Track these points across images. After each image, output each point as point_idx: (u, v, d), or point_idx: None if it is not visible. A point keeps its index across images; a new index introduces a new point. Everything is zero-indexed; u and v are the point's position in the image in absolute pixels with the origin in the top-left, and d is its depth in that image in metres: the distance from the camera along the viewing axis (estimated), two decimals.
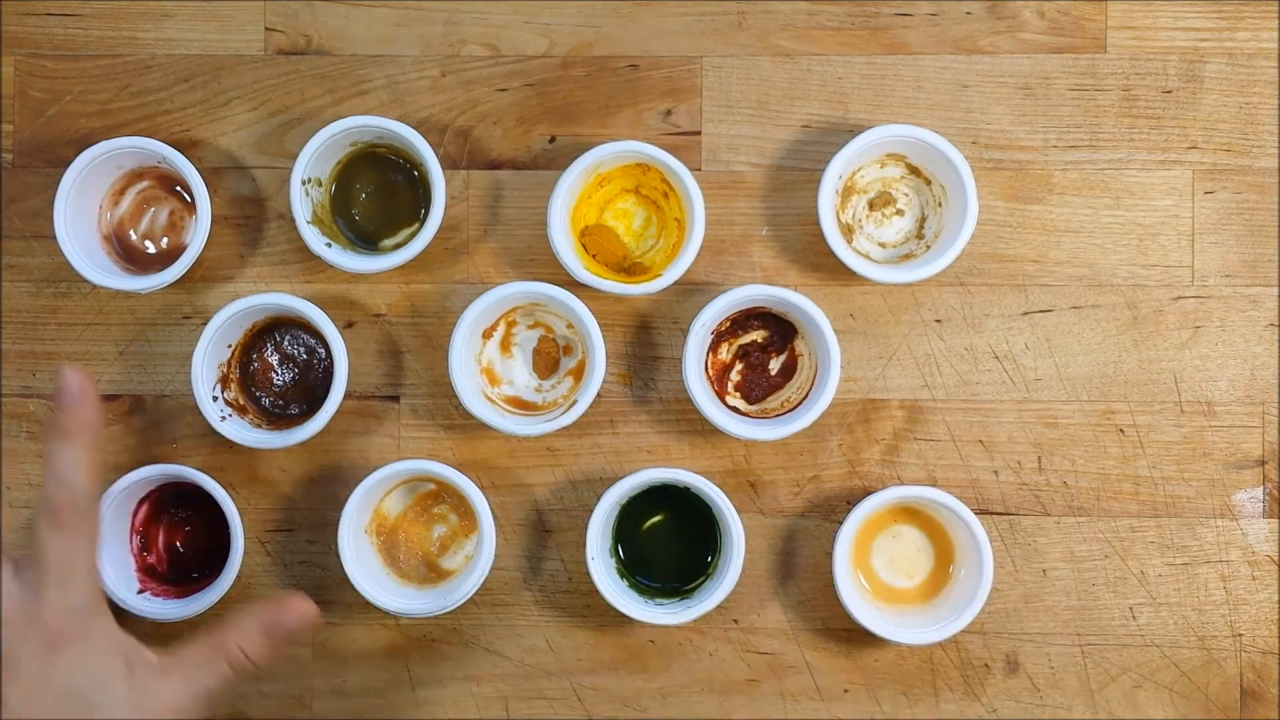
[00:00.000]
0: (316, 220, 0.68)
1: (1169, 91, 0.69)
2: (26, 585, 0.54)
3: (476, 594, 0.67)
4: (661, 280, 0.66)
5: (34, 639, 0.52)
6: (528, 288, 0.66)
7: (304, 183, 0.67)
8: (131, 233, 0.70)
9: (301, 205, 0.67)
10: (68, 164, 0.66)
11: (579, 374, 0.68)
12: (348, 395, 0.69)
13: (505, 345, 0.69)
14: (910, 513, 0.68)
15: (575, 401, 0.66)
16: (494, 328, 0.69)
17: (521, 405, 0.69)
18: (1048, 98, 0.69)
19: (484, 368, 0.69)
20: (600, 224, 0.69)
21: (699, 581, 0.68)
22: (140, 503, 0.69)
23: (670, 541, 0.69)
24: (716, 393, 0.68)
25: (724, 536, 0.66)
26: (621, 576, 0.68)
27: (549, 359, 0.69)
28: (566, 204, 0.67)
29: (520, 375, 0.69)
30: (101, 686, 0.53)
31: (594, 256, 0.69)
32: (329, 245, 0.67)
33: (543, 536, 0.69)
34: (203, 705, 0.55)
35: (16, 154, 0.70)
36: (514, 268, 0.70)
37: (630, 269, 0.69)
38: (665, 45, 0.70)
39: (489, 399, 0.68)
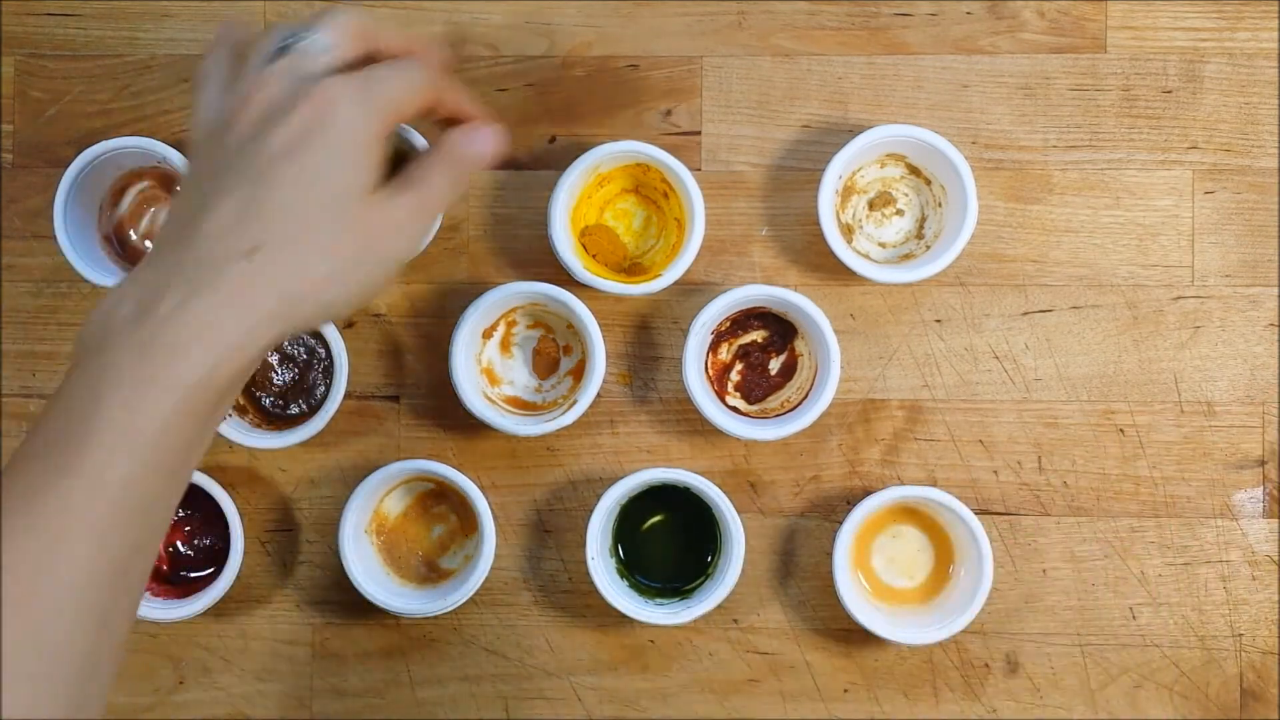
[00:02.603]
0: None
1: (1169, 91, 0.69)
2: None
3: (476, 594, 0.67)
4: (661, 280, 0.66)
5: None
6: (528, 288, 0.66)
7: None
8: (131, 233, 0.70)
9: None
10: (68, 164, 0.66)
11: (579, 374, 0.68)
12: (348, 395, 0.69)
13: (505, 345, 0.69)
14: (910, 513, 0.68)
15: (575, 401, 0.66)
16: (494, 328, 0.69)
17: (521, 405, 0.69)
18: (1048, 98, 0.69)
19: (484, 368, 0.69)
20: (600, 224, 0.69)
21: (699, 581, 0.68)
22: None
23: (670, 541, 0.69)
24: (716, 393, 0.68)
25: (724, 536, 0.66)
26: (621, 576, 0.68)
27: (549, 359, 0.69)
28: (567, 204, 0.67)
29: (520, 375, 0.69)
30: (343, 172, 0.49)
31: (594, 256, 0.69)
32: None
33: (543, 536, 0.69)
34: (424, 224, 0.52)
35: (16, 154, 0.70)
36: (514, 268, 0.70)
37: (630, 269, 0.69)
38: (665, 45, 0.70)
39: (489, 399, 0.68)
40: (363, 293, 0.51)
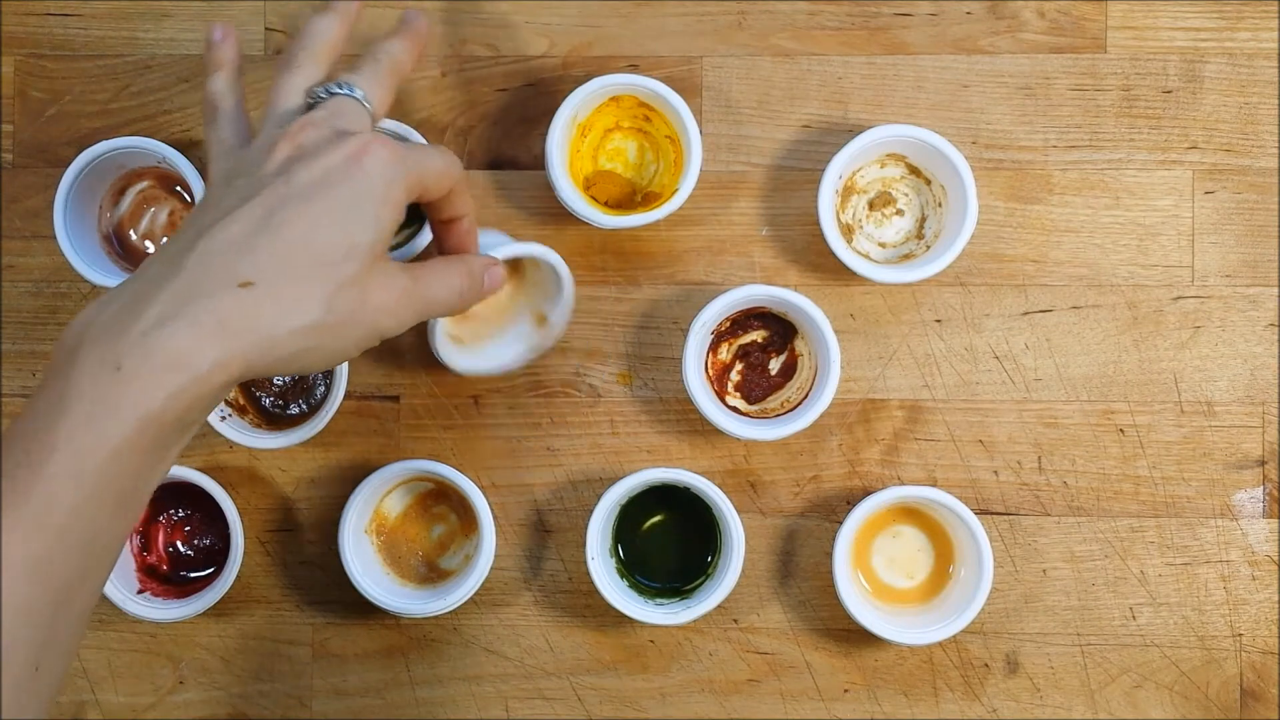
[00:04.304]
0: None
1: (1169, 91, 0.69)
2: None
3: (476, 594, 0.67)
4: (679, 195, 0.65)
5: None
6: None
7: None
8: (131, 233, 0.70)
9: None
10: (68, 164, 0.66)
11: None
12: (348, 395, 0.69)
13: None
14: (910, 513, 0.68)
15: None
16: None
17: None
18: (1048, 98, 0.69)
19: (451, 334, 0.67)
20: (598, 170, 0.69)
21: (699, 581, 0.68)
22: None
23: (670, 541, 0.69)
24: (716, 393, 0.68)
25: (724, 536, 0.66)
26: (621, 576, 0.68)
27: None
28: (562, 165, 0.66)
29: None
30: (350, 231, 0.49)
31: (606, 203, 0.68)
32: None
33: (543, 536, 0.69)
34: (415, 313, 0.52)
35: (16, 154, 0.70)
36: None
37: (645, 199, 0.69)
38: (665, 45, 0.70)
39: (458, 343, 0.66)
40: (336, 356, 0.50)
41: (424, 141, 0.64)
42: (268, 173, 0.49)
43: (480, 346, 0.65)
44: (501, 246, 0.60)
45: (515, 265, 0.67)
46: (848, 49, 0.69)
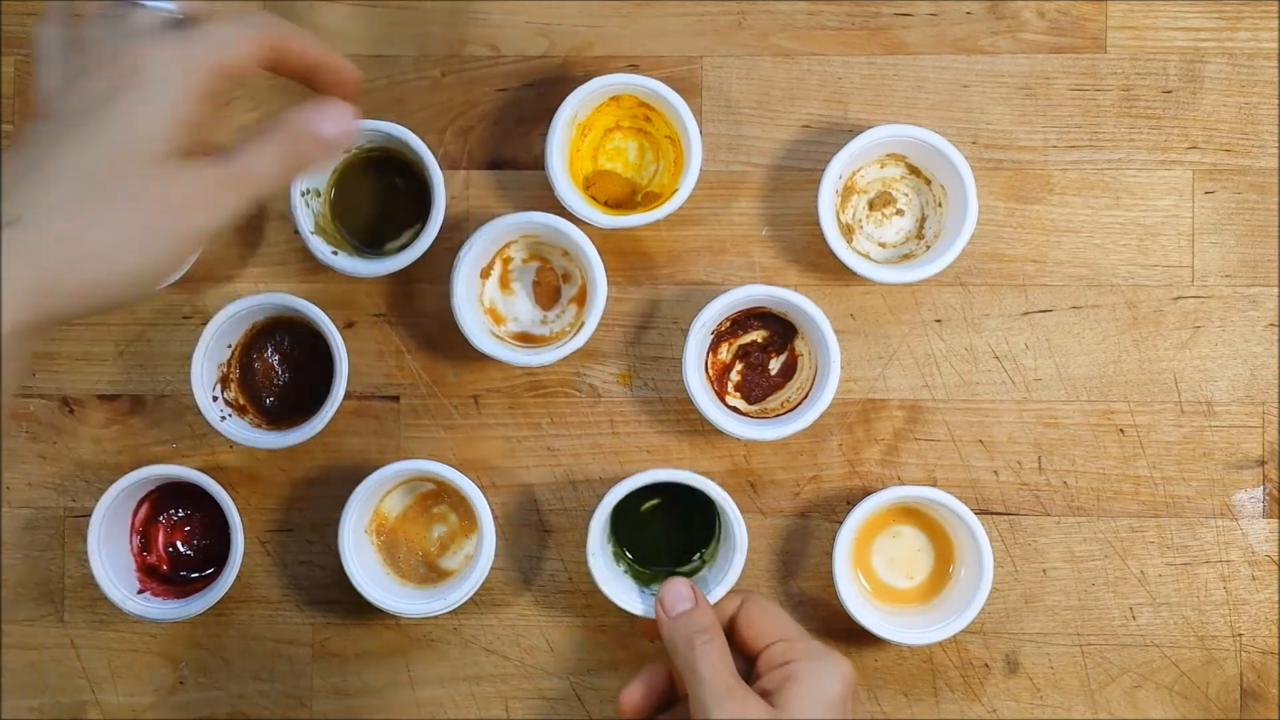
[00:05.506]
0: (320, 230, 0.67)
1: (1169, 91, 0.69)
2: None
3: (476, 594, 0.67)
4: (679, 195, 0.65)
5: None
6: (517, 219, 0.65)
7: (303, 194, 0.66)
8: None
9: (304, 216, 0.66)
10: None
11: (581, 299, 0.68)
12: (348, 395, 0.69)
13: (504, 282, 0.69)
14: (910, 513, 0.68)
15: (583, 324, 0.65)
16: (490, 267, 0.68)
17: (529, 339, 0.68)
18: (1048, 98, 0.69)
19: (487, 309, 0.68)
20: (598, 170, 0.69)
21: (698, 568, 0.68)
22: (140, 503, 0.69)
23: (671, 541, 0.69)
24: (716, 393, 0.68)
25: (725, 536, 0.66)
26: (621, 568, 0.68)
27: (549, 289, 0.69)
28: (562, 166, 0.66)
29: (524, 310, 0.69)
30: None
31: (605, 203, 0.69)
32: (335, 253, 0.67)
33: (543, 536, 0.69)
34: (239, 195, 0.46)
35: None
36: None
37: (645, 199, 0.69)
38: (665, 45, 0.70)
39: (497, 338, 0.67)
40: (155, 268, 0.45)
41: (424, 146, 0.64)
42: (53, 103, 0.45)
43: (541, 347, 0.67)
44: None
45: (546, 276, 0.68)
46: (848, 49, 0.69)
